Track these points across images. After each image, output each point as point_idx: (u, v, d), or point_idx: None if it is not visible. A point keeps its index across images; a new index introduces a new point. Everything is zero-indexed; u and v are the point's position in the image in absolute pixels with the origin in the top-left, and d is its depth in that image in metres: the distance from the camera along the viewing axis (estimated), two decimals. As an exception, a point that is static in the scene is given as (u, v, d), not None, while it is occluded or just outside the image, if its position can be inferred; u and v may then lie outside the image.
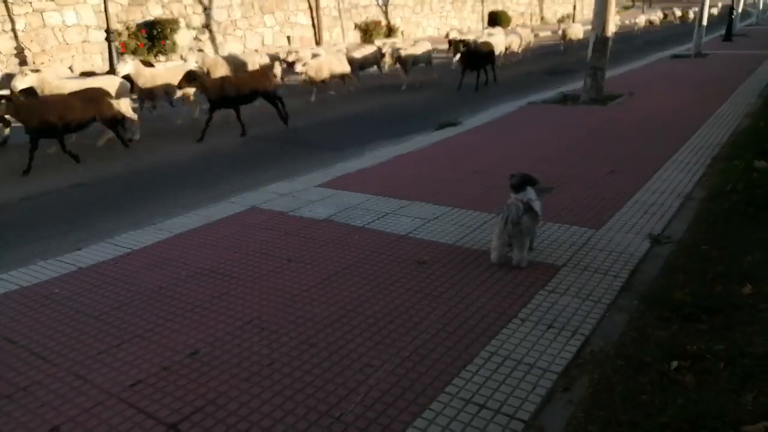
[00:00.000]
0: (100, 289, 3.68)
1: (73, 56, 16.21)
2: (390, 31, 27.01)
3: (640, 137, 7.32)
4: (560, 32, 21.21)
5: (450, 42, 17.85)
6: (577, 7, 41.95)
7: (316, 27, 23.56)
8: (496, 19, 33.95)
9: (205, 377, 2.72)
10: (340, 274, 3.77)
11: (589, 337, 2.98)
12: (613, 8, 9.94)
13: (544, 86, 12.68)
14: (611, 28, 10.10)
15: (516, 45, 17.87)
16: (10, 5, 14.63)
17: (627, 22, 32.88)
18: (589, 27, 10.32)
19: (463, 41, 14.16)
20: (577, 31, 21.16)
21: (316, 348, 2.94)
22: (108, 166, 7.30)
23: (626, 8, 51.68)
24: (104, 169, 7.17)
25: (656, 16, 33.92)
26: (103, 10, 14.46)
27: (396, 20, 27.88)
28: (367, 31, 25.73)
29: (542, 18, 41.60)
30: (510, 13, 35.50)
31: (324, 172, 6.28)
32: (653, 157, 6.34)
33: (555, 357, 2.81)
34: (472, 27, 34.28)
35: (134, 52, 17.10)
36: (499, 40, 15.94)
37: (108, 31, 14.27)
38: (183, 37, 18.64)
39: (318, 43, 23.50)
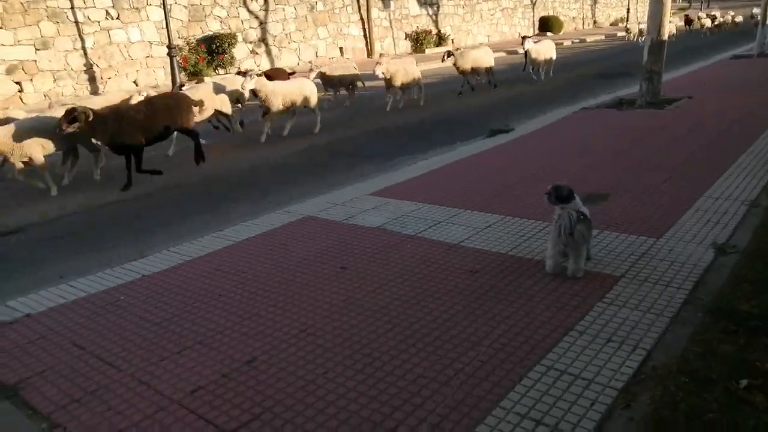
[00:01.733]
0: (162, 296, 3.81)
1: (137, 71, 16.93)
2: (440, 40, 27.02)
3: (700, 142, 7.05)
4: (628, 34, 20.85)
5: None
6: (631, 10, 40.89)
7: (368, 38, 23.80)
8: (547, 24, 33.45)
9: (262, 385, 2.78)
10: (392, 283, 3.79)
11: (650, 352, 2.89)
12: (668, 10, 9.64)
13: (597, 90, 12.40)
14: (667, 31, 9.78)
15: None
16: (80, 25, 15.42)
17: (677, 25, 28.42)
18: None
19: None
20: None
21: (369, 358, 2.95)
22: (168, 175, 7.56)
23: (682, 9, 50.03)
24: (164, 179, 7.42)
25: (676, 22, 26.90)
26: (164, 26, 15.07)
27: (446, 28, 27.88)
28: (417, 40, 25.83)
29: (595, 22, 40.75)
30: (561, 18, 34.91)
31: (376, 181, 6.33)
32: (715, 162, 6.10)
33: (615, 372, 2.73)
34: (523, 33, 33.93)
35: (194, 66, 17.73)
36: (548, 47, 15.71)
37: (170, 46, 14.85)
38: (240, 51, 19.19)
39: (370, 55, 23.73)
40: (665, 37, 9.68)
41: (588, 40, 29.51)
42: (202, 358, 3.04)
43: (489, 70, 13.96)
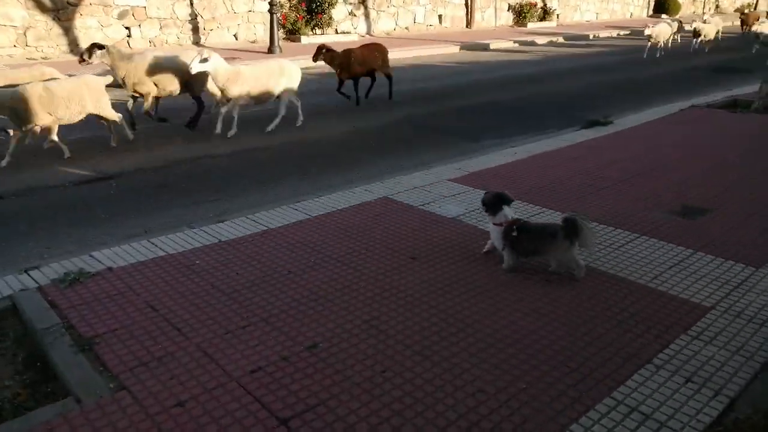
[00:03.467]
0: (235, 265, 3.89)
1: (238, 24, 17.26)
2: (545, 14, 25.86)
3: (825, 160, 6.38)
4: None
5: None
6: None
7: (469, 7, 23.12)
8: (663, 5, 31.26)
9: (319, 374, 2.78)
10: (461, 282, 3.68)
11: (734, 400, 2.65)
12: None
13: (711, 86, 11.49)
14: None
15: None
16: (188, -24, 15.86)
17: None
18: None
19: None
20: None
21: (429, 362, 2.88)
22: (254, 138, 7.70)
23: None
24: (251, 141, 7.57)
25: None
26: (268, -18, 15.22)
27: (553, 2, 26.60)
28: (521, 13, 24.84)
29: (717, 7, 37.64)
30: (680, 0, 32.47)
31: (459, 166, 6.16)
32: (840, 186, 5.50)
33: (691, 418, 2.52)
34: (635, 14, 31.94)
35: (293, 24, 17.88)
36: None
37: (271, 3, 15.01)
38: (339, 12, 19.16)
39: (469, 25, 23.09)
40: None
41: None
42: (265, 336, 3.08)
43: None
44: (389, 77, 10.19)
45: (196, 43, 16.30)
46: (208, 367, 2.82)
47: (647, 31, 15.96)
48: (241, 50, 15.63)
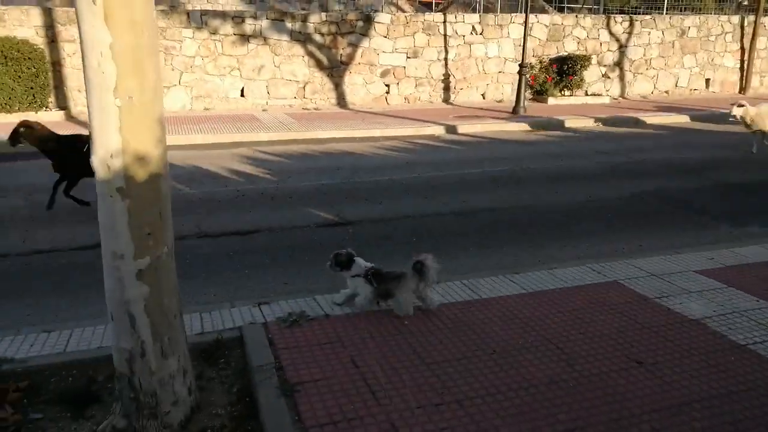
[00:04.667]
0: (441, 333, 3.80)
1: (487, 84, 17.75)
2: None
3: None
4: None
5: None
6: None
7: (745, 71, 20.56)
8: None
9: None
10: (697, 405, 3.06)
11: None
12: None
13: None
14: None
15: None
16: (447, 38, 16.86)
17: None
18: None
19: None
20: None
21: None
22: (481, 198, 7.65)
23: None
24: (478, 201, 7.53)
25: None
26: (522, 44, 15.42)
27: None
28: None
29: None
30: None
31: (712, 255, 5.30)
32: None
33: None
34: None
35: (542, 85, 17.82)
36: None
37: (522, 64, 15.15)
38: (592, 74, 18.56)
39: (743, 90, 20.52)
40: None
41: None
42: (455, 422, 2.90)
43: None
44: None
45: (446, 100, 17.15)
46: (393, 442, 2.74)
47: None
48: (486, 109, 16.00)
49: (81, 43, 2.35)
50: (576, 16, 18.87)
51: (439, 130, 13.06)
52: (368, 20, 16.09)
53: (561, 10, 24.59)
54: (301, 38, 15.49)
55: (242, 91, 15.36)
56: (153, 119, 2.41)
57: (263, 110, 15.09)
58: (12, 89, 12.69)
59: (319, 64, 15.81)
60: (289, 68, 15.55)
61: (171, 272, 2.78)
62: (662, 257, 5.26)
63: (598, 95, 18.47)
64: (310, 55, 15.69)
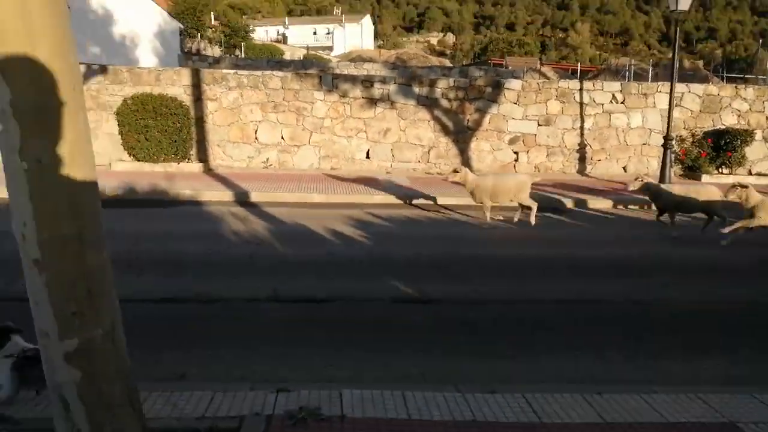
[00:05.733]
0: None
1: (629, 157, 16.32)
2: None
3: None
4: None
5: None
6: None
7: None
8: None
9: None
10: None
11: None
12: None
13: None
14: None
15: None
16: (584, 106, 15.83)
17: None
18: None
19: None
20: None
21: None
22: (598, 289, 6.58)
23: None
24: (599, 289, 6.48)
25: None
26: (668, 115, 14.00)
27: None
28: None
29: None
30: None
31: None
32: None
33: None
34: None
35: (694, 161, 16.01)
36: None
37: (666, 137, 13.68)
38: (756, 151, 16.35)
39: None
40: None
41: None
42: None
43: None
44: None
45: (581, 171, 15.96)
46: None
47: None
48: (626, 183, 14.57)
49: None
50: (735, 86, 16.92)
51: (568, 203, 12.03)
52: (498, 86, 15.63)
53: (732, 80, 22.39)
54: (428, 103, 15.38)
55: (368, 152, 15.48)
56: (72, 185, 2.05)
57: (387, 173, 15.02)
58: (159, 141, 13.83)
59: (444, 129, 15.53)
60: (414, 132, 15.45)
61: (112, 356, 2.35)
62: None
63: (765, 175, 16.16)
64: (436, 119, 15.50)
